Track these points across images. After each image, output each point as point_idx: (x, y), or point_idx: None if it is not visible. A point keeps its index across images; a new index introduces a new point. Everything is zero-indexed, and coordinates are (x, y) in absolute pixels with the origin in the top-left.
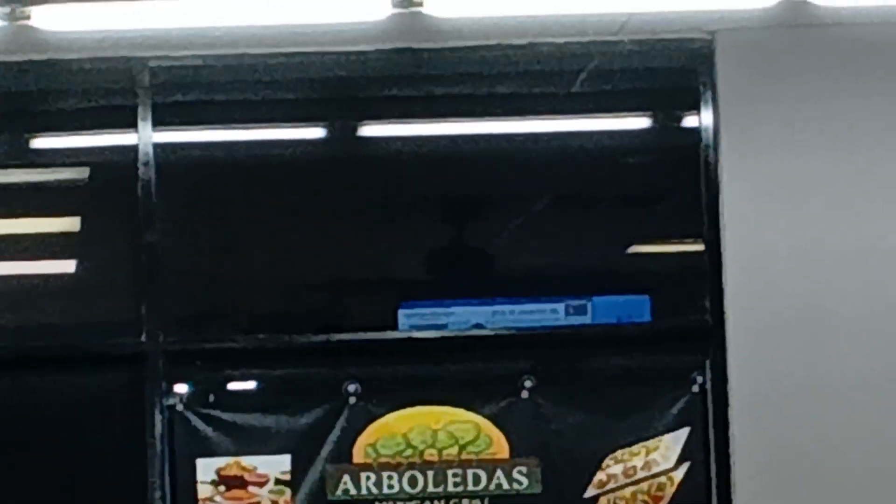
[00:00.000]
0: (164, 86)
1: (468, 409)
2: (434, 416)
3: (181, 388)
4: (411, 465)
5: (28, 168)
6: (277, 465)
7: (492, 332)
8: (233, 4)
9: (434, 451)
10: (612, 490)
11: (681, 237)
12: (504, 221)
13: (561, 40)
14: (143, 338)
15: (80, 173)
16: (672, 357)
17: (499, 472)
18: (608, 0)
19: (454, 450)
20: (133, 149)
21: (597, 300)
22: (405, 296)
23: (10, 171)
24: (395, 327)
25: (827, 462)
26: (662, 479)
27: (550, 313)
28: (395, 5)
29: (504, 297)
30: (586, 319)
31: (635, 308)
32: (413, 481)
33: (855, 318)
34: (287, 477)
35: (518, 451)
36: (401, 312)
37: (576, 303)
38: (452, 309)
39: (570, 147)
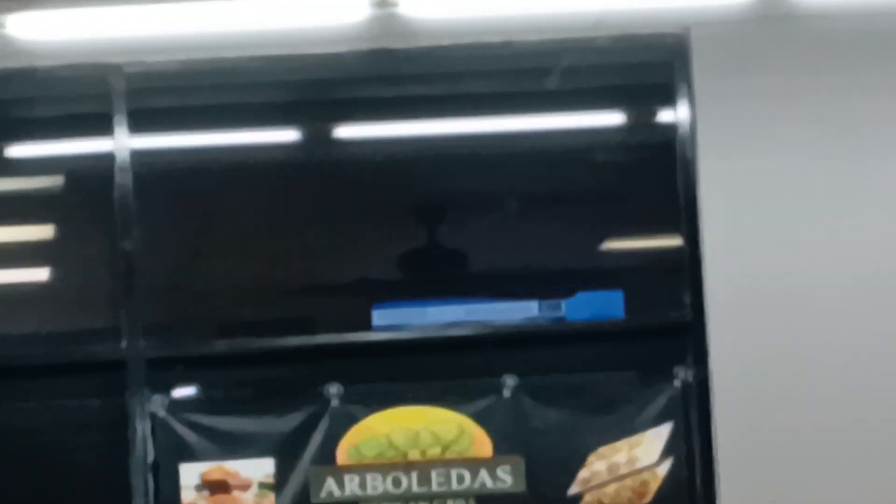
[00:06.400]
0: (139, 91)
1: (450, 408)
2: (416, 416)
3: (162, 394)
4: (394, 466)
5: (3, 177)
6: (261, 468)
7: (472, 332)
8: (207, 8)
9: (417, 451)
10: (596, 487)
11: (659, 233)
12: (482, 220)
13: (535, 38)
14: (122, 345)
15: (56, 181)
16: (654, 352)
17: (482, 471)
18: None
19: (437, 449)
20: (109, 156)
21: (575, 297)
22: (379, 297)
23: None
24: (368, 328)
25: (812, 454)
26: (646, 475)
27: (525, 311)
28: (371, 6)
29: (479, 297)
30: (567, 316)
31: (611, 304)
32: (397, 482)
33: (837, 306)
34: (271, 480)
35: (501, 450)
36: (374, 313)
37: (557, 300)
38: (426, 309)
39: (546, 145)
